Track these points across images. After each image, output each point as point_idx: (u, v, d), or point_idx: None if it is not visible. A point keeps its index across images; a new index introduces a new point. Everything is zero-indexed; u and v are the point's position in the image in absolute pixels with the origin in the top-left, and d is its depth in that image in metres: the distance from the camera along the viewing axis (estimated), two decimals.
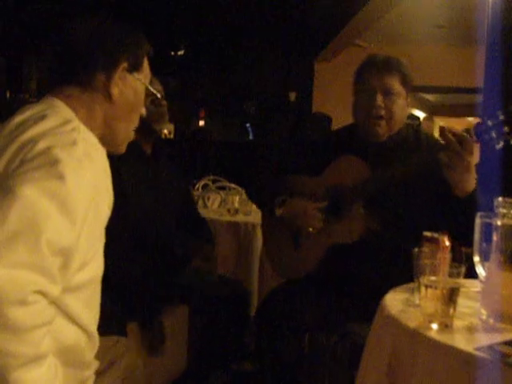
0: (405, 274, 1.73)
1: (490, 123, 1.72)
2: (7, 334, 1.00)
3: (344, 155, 2.15)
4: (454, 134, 1.80)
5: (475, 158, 1.85)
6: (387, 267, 2.00)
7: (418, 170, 1.95)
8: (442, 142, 1.86)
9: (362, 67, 2.15)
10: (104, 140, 1.37)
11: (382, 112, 2.06)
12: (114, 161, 1.35)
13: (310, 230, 2.15)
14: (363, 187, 2.04)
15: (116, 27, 1.38)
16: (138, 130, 1.47)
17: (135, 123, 1.43)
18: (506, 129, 1.69)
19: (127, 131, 1.41)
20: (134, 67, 1.38)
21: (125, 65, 1.35)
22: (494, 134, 1.71)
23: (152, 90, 1.46)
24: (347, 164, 2.14)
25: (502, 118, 1.70)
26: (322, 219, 2.13)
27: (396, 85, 2.07)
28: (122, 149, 1.44)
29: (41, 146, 1.13)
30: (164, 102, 2.33)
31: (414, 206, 2.03)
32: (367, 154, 2.10)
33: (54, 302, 1.11)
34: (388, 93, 2.06)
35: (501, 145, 1.71)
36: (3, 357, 1.00)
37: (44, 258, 1.03)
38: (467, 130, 1.81)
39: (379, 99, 2.06)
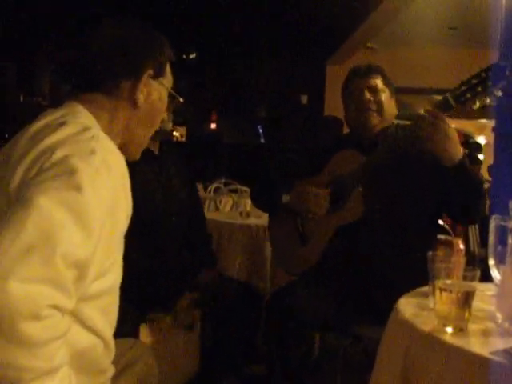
0: (406, 251, 2.04)
1: (474, 81, 1.89)
2: (21, 349, 0.99)
3: (341, 150, 2.30)
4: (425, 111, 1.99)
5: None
6: (389, 245, 2.13)
7: (403, 147, 2.09)
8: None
9: (347, 77, 2.35)
10: (122, 148, 1.36)
11: (372, 105, 2.24)
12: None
13: (317, 210, 2.22)
14: (357, 170, 2.18)
15: (140, 32, 1.38)
16: None
17: (156, 128, 1.43)
18: (489, 83, 1.84)
19: (146, 137, 1.41)
20: (158, 73, 1.38)
21: (150, 71, 1.35)
22: (479, 89, 1.88)
23: (175, 94, 1.46)
24: (344, 157, 2.28)
25: (483, 75, 1.87)
26: (327, 206, 2.22)
27: (379, 83, 2.27)
28: (137, 156, 1.44)
29: (59, 154, 1.11)
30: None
31: (409, 185, 2.17)
32: (362, 147, 2.25)
33: (70, 312, 1.10)
34: (374, 89, 2.25)
35: (489, 100, 1.83)
36: (16, 371, 0.99)
37: (59, 272, 1.01)
38: (445, 97, 1.97)
39: (367, 95, 2.24)
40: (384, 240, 2.14)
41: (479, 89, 1.89)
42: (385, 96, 2.26)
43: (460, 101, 1.93)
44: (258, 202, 2.52)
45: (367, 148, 2.22)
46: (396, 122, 2.30)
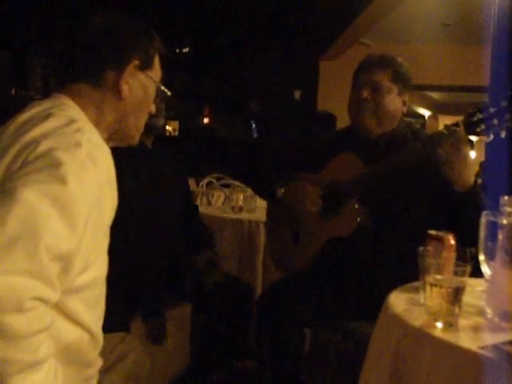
0: (397, 266, 1.87)
1: (491, 110, 1.70)
2: (4, 342, 0.98)
3: (342, 153, 2.18)
4: (446, 128, 1.83)
5: (480, 156, 1.85)
6: (380, 261, 2.06)
7: (411, 164, 1.96)
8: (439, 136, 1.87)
9: (358, 67, 2.19)
10: (115, 136, 1.36)
11: (368, 105, 2.09)
12: (115, 154, 1.34)
13: (308, 207, 2.17)
14: (356, 182, 2.07)
15: (128, 24, 1.37)
16: None
17: (144, 120, 1.43)
18: (508, 116, 1.67)
19: (137, 126, 1.41)
20: (146, 65, 1.37)
21: (136, 62, 1.34)
22: (495, 122, 1.69)
23: (163, 88, 1.46)
24: (344, 161, 2.16)
25: (504, 104, 1.68)
26: (319, 204, 2.16)
27: (385, 81, 2.09)
28: (135, 140, 1.43)
29: (43, 147, 1.11)
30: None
31: (408, 202, 2.06)
32: (362, 150, 2.11)
33: (55, 305, 1.10)
34: (376, 88, 2.09)
35: (503, 133, 1.69)
36: (0, 364, 0.99)
37: (42, 264, 1.00)
38: (456, 123, 1.81)
39: (365, 93, 2.09)
40: (379, 248, 2.08)
41: (495, 121, 1.68)
42: (389, 96, 2.09)
43: (473, 131, 1.74)
44: (263, 197, 2.52)
45: (369, 152, 2.09)
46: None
